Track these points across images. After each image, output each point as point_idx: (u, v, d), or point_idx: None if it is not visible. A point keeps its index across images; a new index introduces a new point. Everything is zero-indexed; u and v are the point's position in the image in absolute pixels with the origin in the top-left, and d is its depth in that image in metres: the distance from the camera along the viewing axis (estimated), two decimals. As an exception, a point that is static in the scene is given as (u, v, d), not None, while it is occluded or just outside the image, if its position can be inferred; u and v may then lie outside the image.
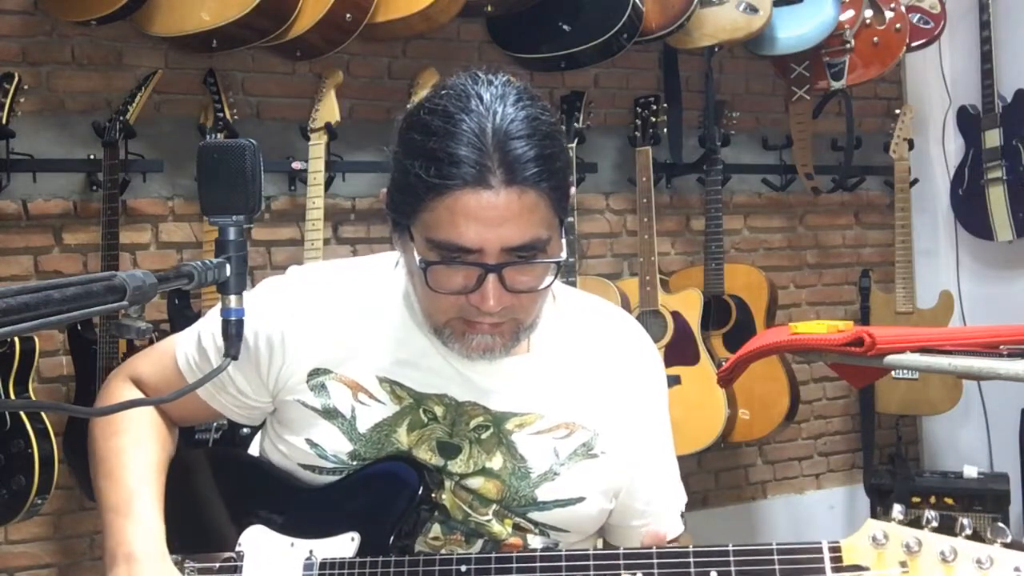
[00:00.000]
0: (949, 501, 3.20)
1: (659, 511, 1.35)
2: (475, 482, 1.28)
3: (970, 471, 3.26)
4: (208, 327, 1.32)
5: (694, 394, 3.00)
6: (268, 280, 1.36)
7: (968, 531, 0.93)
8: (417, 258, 1.13)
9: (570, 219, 2.92)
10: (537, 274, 1.15)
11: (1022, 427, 3.29)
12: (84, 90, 2.72)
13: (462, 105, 1.10)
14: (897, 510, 0.97)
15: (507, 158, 1.08)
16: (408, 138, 1.13)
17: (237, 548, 1.29)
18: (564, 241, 1.17)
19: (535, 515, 1.29)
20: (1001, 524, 0.93)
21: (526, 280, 1.15)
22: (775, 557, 1.00)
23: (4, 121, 2.48)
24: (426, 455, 1.28)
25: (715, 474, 3.57)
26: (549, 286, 1.18)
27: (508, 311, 1.16)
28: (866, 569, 0.96)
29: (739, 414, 3.09)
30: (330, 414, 1.29)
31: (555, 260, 1.15)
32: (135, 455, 1.31)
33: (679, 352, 3.03)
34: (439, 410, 1.28)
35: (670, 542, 1.32)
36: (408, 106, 1.17)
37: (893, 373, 3.17)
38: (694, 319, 3.05)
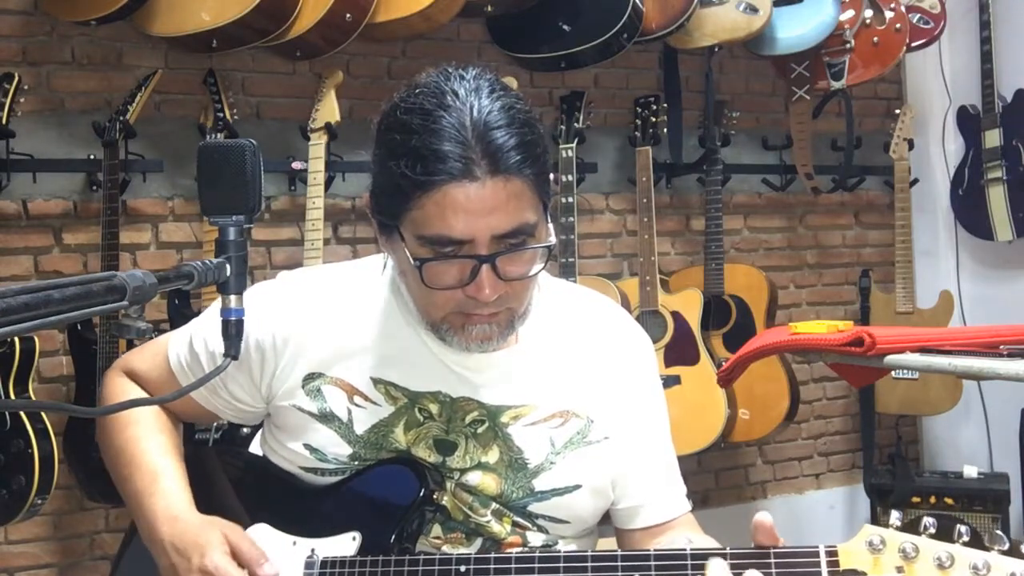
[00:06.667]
0: (949, 501, 3.20)
1: (658, 492, 1.35)
2: (473, 477, 1.29)
3: (970, 471, 3.26)
4: (200, 331, 1.34)
5: (694, 394, 2.99)
6: (258, 285, 1.36)
7: (966, 537, 0.93)
8: (410, 257, 1.14)
9: (570, 219, 2.93)
10: (528, 260, 1.17)
11: (1022, 427, 3.28)
12: (84, 90, 2.72)
13: (438, 101, 1.12)
14: (895, 516, 0.97)
15: (489, 148, 1.10)
16: (388, 139, 1.14)
17: (240, 547, 1.29)
18: (550, 226, 1.19)
19: (534, 507, 1.30)
20: (999, 532, 0.93)
21: (518, 268, 1.16)
22: (772, 560, 1.00)
23: (4, 121, 2.48)
24: (424, 453, 1.29)
25: (715, 474, 3.57)
26: (539, 272, 1.20)
27: (503, 300, 1.17)
28: (863, 574, 0.96)
29: (739, 414, 3.09)
30: (327, 418, 1.30)
31: (545, 245, 1.17)
32: (151, 440, 1.34)
33: (679, 352, 3.03)
34: (434, 408, 1.28)
35: (671, 522, 1.33)
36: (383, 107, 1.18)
37: (893, 373, 3.16)
38: (694, 319, 3.05)
